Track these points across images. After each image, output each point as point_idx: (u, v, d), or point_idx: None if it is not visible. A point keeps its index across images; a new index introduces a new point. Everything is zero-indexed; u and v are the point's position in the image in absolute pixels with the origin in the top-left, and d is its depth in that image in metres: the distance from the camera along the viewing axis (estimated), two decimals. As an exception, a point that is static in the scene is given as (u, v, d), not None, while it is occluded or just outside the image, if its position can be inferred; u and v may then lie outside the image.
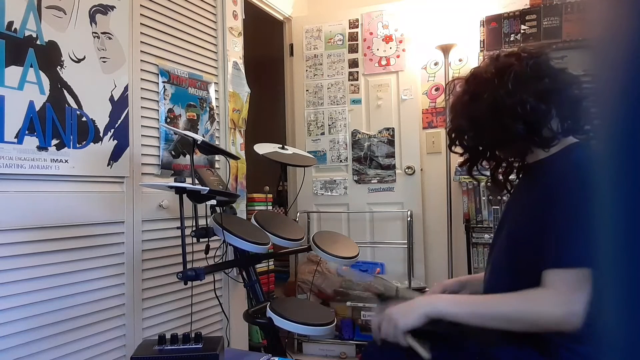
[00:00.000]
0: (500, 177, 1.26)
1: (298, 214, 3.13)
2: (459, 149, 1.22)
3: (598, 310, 0.29)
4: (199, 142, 1.69)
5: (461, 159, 1.28)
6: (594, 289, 0.90)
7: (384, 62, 3.08)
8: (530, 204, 1.08)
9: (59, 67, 1.62)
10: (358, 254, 2.12)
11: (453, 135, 1.21)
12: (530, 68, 1.07)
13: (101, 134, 1.76)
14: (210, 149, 1.93)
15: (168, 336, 1.27)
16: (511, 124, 1.05)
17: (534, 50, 1.11)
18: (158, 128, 2.04)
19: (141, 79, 1.96)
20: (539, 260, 0.98)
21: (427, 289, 1.43)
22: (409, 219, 2.91)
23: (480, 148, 1.20)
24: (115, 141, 1.81)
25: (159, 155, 2.04)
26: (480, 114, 1.10)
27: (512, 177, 1.27)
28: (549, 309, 0.94)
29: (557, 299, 0.93)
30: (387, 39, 3.06)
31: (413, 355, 1.05)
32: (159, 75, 2.05)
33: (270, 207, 2.87)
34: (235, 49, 2.54)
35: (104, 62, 1.79)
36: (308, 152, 2.87)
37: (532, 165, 1.15)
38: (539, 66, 1.07)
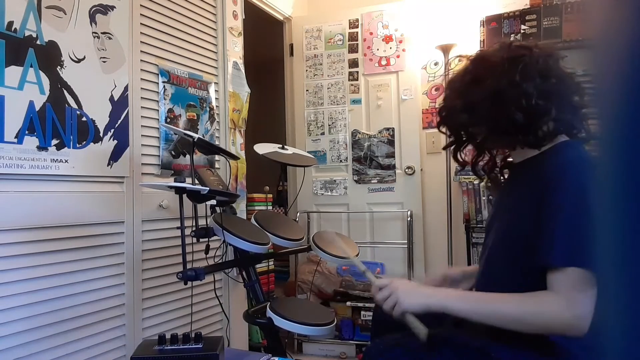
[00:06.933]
0: (482, 169, 1.25)
1: (298, 214, 3.13)
2: (445, 129, 1.21)
3: (600, 309, 0.29)
4: (194, 140, 1.69)
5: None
6: (597, 290, 0.90)
7: (384, 62, 3.07)
8: (524, 201, 1.07)
9: (59, 67, 1.62)
10: (358, 254, 2.12)
11: (444, 113, 1.18)
12: (541, 64, 1.05)
13: (101, 134, 1.76)
14: (208, 148, 1.93)
15: (168, 336, 1.27)
16: (512, 114, 1.03)
17: (548, 48, 1.10)
18: (158, 128, 2.04)
19: (141, 79, 1.96)
20: (538, 257, 0.97)
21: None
22: (409, 219, 2.91)
23: (468, 132, 1.18)
24: (115, 141, 1.81)
25: (159, 155, 2.04)
26: (480, 97, 1.08)
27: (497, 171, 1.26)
28: (556, 313, 0.93)
29: (563, 303, 0.92)
30: (387, 39, 3.06)
31: (412, 355, 1.05)
32: (159, 75, 2.05)
33: (270, 207, 2.87)
34: (235, 49, 2.54)
35: (104, 62, 1.79)
36: (308, 152, 2.86)
37: (522, 163, 1.14)
38: (549, 65, 1.06)
